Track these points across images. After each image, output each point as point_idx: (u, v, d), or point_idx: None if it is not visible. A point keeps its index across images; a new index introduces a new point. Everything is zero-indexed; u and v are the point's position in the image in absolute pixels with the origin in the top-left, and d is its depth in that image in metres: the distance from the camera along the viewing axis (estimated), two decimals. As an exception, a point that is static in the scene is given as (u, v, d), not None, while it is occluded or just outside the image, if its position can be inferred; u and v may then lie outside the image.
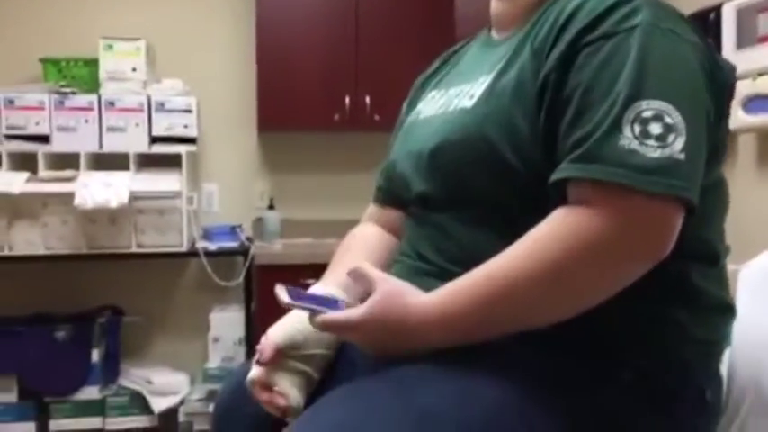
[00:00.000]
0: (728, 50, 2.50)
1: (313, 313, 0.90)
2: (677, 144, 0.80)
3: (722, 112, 0.92)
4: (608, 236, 0.80)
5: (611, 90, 0.82)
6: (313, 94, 3.30)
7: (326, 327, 0.90)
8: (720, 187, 1.00)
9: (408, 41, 3.26)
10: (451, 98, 1.05)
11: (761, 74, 2.37)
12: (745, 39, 2.43)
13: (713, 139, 0.89)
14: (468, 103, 0.99)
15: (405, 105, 1.26)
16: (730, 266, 1.83)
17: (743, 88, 2.44)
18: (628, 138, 0.80)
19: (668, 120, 0.80)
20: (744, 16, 2.44)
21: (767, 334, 1.20)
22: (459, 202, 0.98)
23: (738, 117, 2.46)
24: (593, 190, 0.81)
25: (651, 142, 0.79)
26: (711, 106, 0.88)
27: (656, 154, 0.79)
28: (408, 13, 3.31)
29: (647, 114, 0.80)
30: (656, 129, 0.80)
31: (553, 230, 0.82)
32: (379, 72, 3.26)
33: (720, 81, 0.90)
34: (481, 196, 0.94)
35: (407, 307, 0.87)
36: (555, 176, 0.85)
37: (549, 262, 0.81)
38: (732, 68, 0.95)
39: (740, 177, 2.65)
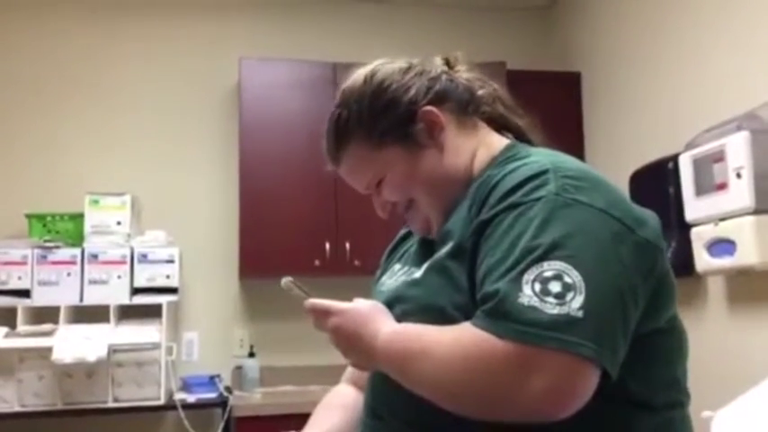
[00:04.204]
0: (689, 197, 2.63)
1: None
2: (575, 302, 0.84)
3: (653, 263, 0.95)
4: (509, 378, 0.85)
5: (513, 252, 0.89)
6: (294, 241, 3.38)
7: (314, 310, 1.07)
8: (668, 336, 1.01)
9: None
10: (407, 271, 1.14)
11: (722, 219, 2.48)
12: (704, 186, 2.56)
13: (651, 289, 0.93)
14: (417, 274, 1.07)
15: (377, 275, 1.32)
16: (704, 413, 1.86)
17: (706, 233, 2.54)
18: (528, 296, 0.85)
19: (567, 279, 0.85)
20: (700, 165, 2.57)
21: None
22: None
23: (704, 260, 2.55)
24: (500, 341, 0.85)
25: (550, 299, 0.84)
26: (629, 263, 0.91)
27: (555, 311, 0.83)
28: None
29: (548, 274, 0.85)
30: (555, 287, 0.85)
31: (478, 354, 0.87)
32: (358, 219, 3.35)
33: (641, 237, 0.94)
34: None
35: (377, 327, 1.01)
36: (472, 323, 0.91)
37: (464, 369, 0.88)
38: (655, 221, 1.00)
39: (711, 320, 2.70)
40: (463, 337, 0.89)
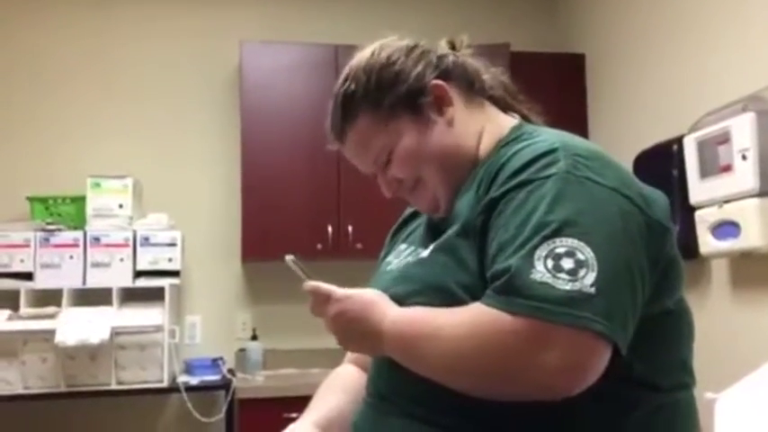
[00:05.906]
0: (693, 180, 2.61)
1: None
2: (587, 279, 0.84)
3: (663, 243, 0.96)
4: (523, 355, 0.85)
5: (524, 228, 0.88)
6: (296, 224, 3.37)
7: (314, 292, 1.06)
8: (676, 317, 1.01)
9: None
10: (413, 252, 1.13)
11: (726, 201, 2.46)
12: (708, 168, 2.54)
13: (660, 270, 0.93)
14: (424, 253, 1.06)
15: (382, 255, 1.31)
16: (708, 395, 1.86)
17: (710, 216, 2.53)
18: (540, 272, 0.85)
19: (580, 256, 0.85)
20: (704, 148, 2.56)
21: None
22: None
23: (708, 243, 2.54)
24: (512, 318, 0.85)
25: (563, 275, 0.84)
26: (638, 242, 0.91)
27: (567, 287, 0.83)
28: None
29: (560, 251, 0.85)
30: (568, 264, 0.84)
31: (491, 332, 0.87)
32: (361, 201, 3.34)
33: (651, 217, 0.94)
34: None
35: (384, 311, 1.00)
36: (482, 302, 0.90)
37: (477, 355, 0.89)
38: (664, 201, 1.00)
39: (715, 302, 2.69)
40: (474, 316, 0.89)
